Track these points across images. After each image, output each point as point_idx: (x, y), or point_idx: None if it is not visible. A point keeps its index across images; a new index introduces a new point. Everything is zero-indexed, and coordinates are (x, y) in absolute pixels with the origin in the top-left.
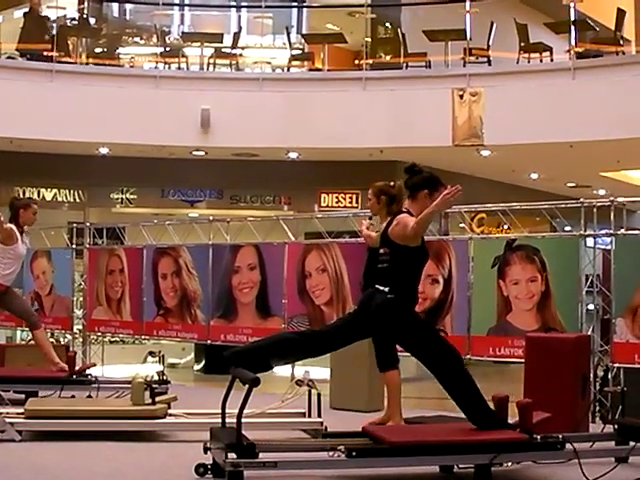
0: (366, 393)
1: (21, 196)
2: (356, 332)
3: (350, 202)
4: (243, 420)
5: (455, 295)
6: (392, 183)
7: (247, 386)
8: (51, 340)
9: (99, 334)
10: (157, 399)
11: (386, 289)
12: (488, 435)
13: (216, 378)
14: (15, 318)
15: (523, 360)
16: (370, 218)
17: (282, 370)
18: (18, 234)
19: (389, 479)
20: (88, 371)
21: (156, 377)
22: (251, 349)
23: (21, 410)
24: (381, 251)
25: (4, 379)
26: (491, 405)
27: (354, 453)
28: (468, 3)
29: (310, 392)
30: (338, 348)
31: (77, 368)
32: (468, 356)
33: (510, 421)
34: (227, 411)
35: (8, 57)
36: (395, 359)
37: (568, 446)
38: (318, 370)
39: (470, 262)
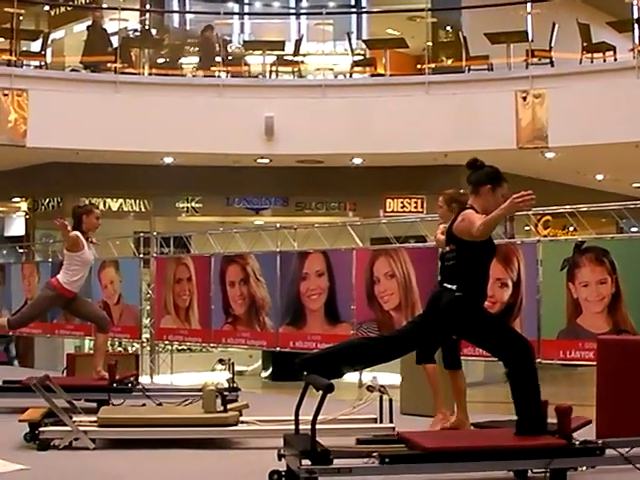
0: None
1: None
2: (427, 333)
3: (415, 207)
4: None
5: (524, 298)
6: (462, 190)
7: (320, 392)
8: (119, 349)
9: (166, 342)
10: (229, 406)
11: (454, 287)
12: (525, 441)
13: (284, 385)
14: (84, 327)
15: (594, 363)
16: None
17: (350, 376)
18: (84, 240)
19: None
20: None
21: (226, 385)
22: (323, 355)
23: (94, 418)
24: (447, 248)
25: (74, 388)
26: None
27: (387, 460)
28: (529, 4)
29: (381, 398)
30: (410, 351)
31: (117, 377)
32: (538, 360)
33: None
34: (300, 418)
35: (72, 70)
36: (458, 362)
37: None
38: (387, 376)
39: (539, 265)
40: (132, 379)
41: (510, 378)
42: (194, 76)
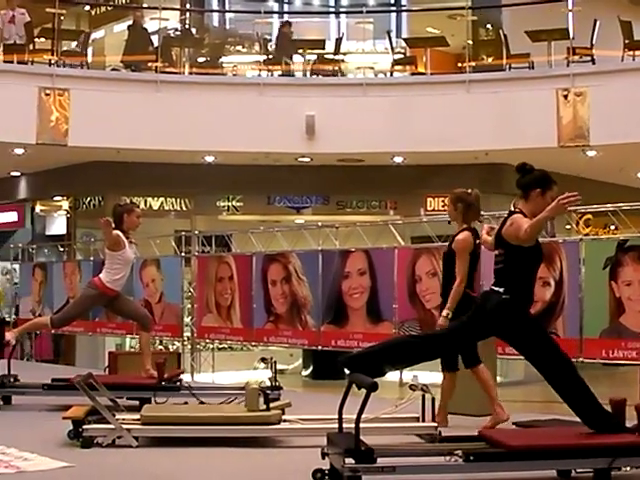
0: (478, 397)
1: None
2: (472, 334)
3: None
4: None
5: (567, 297)
6: (469, 190)
7: (363, 391)
8: (160, 347)
9: (208, 341)
10: (271, 405)
11: (501, 290)
12: (606, 439)
13: (325, 384)
14: (126, 326)
15: (637, 362)
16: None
17: (390, 375)
18: (125, 239)
19: None
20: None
21: (268, 383)
22: (367, 354)
23: (137, 416)
24: (496, 252)
25: (116, 386)
26: (607, 408)
27: (472, 457)
28: (570, 2)
29: (424, 397)
30: (456, 350)
31: (166, 375)
32: (580, 359)
33: (628, 424)
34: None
35: (113, 69)
36: (477, 358)
37: None
38: (428, 374)
39: (581, 264)
40: (180, 377)
41: (554, 387)
42: (235, 75)
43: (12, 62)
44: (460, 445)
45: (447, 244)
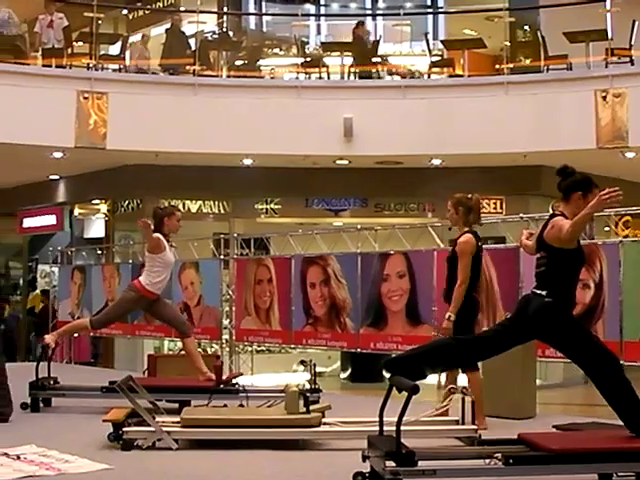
0: (518, 400)
1: None
2: (514, 337)
3: (494, 208)
4: None
5: (606, 300)
6: (470, 195)
7: (404, 394)
8: (199, 350)
9: (246, 344)
10: (311, 408)
11: (544, 293)
12: None
13: (363, 386)
14: (164, 328)
15: None
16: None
17: (429, 378)
18: (165, 242)
19: None
20: (235, 380)
21: (307, 386)
22: (407, 357)
23: (177, 419)
24: (538, 255)
25: (155, 388)
26: None
27: (511, 461)
28: (609, 2)
29: (463, 399)
30: (497, 354)
31: (224, 377)
32: (621, 361)
33: None
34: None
35: (151, 72)
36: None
37: None
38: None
39: (621, 266)
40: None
41: (599, 389)
42: (272, 78)
43: (51, 66)
44: (500, 448)
45: (451, 248)
